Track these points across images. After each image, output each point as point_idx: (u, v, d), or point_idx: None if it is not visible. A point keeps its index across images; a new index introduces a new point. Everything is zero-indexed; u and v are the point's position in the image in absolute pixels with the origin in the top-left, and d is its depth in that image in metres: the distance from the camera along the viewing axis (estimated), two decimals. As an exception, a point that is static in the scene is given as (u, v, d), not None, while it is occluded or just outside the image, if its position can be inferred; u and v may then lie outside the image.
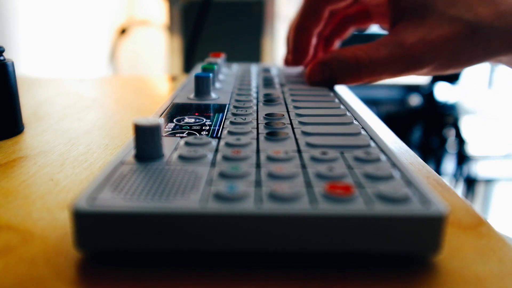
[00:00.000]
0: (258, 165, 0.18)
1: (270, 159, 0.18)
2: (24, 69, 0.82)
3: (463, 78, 1.51)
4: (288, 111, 0.26)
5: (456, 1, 0.30)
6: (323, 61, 0.34)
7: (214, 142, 0.21)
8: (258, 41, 1.03)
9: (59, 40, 1.00)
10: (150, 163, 0.18)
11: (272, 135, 0.22)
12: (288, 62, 0.42)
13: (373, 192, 0.15)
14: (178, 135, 0.22)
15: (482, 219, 0.18)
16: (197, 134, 0.22)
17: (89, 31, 1.21)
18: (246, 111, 0.26)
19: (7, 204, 0.19)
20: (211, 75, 0.31)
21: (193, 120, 0.25)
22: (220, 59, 0.39)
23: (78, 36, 1.12)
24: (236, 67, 0.44)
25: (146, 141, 0.18)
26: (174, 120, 0.24)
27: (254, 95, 0.31)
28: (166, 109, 0.27)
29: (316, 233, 0.14)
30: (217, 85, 0.34)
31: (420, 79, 1.53)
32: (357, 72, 0.32)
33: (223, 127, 0.23)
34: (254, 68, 0.44)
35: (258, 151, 0.19)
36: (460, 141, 1.45)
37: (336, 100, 0.29)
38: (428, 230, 0.14)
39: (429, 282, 0.14)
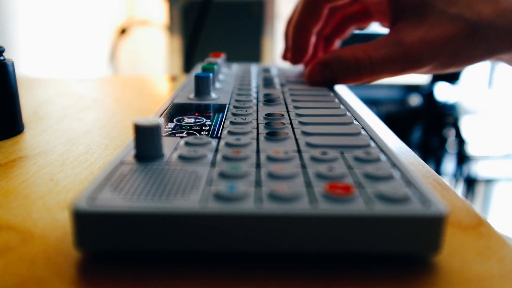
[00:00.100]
0: (258, 165, 0.18)
1: (270, 159, 0.18)
2: (24, 69, 0.82)
3: (463, 78, 1.51)
4: (288, 111, 0.26)
5: (456, 0, 0.30)
6: (323, 61, 0.34)
7: (214, 142, 0.21)
8: (258, 41, 1.03)
9: (59, 40, 1.00)
10: (150, 163, 0.18)
11: (272, 135, 0.22)
12: (286, 58, 0.42)
13: (373, 192, 0.15)
14: (178, 135, 0.22)
15: (482, 219, 0.18)
16: (197, 134, 0.22)
17: (89, 31, 1.21)
18: (246, 111, 0.26)
19: (7, 204, 0.19)
20: (211, 75, 0.31)
21: (193, 120, 0.25)
22: (220, 59, 0.39)
23: (78, 36, 1.12)
24: (236, 67, 0.44)
25: (146, 141, 0.18)
26: (174, 120, 0.24)
27: (254, 95, 0.31)
28: (166, 109, 0.27)
29: (316, 233, 0.14)
30: (217, 85, 0.34)
31: (420, 79, 1.53)
32: (357, 72, 0.32)
33: (223, 127, 0.23)
34: (254, 68, 0.44)
35: (258, 151, 0.19)
36: (460, 141, 1.45)
37: (336, 100, 0.29)
38: (428, 230, 0.14)
39: (429, 282, 0.14)
